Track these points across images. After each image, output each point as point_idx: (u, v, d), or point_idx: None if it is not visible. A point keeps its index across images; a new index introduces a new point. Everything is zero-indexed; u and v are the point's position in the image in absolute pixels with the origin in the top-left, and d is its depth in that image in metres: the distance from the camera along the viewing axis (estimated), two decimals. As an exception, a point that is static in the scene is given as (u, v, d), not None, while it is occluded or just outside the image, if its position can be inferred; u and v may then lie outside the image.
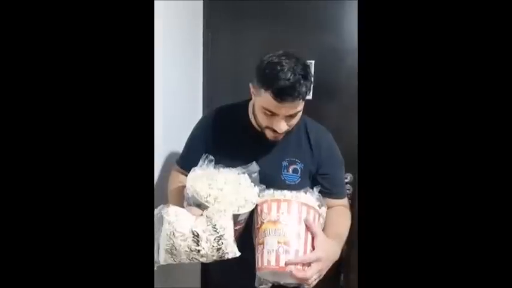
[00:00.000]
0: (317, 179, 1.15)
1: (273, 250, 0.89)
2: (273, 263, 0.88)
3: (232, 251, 0.88)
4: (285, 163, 1.13)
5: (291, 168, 1.13)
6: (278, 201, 0.95)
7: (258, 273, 0.94)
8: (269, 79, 0.95)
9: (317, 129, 1.18)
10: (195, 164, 1.00)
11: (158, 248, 0.87)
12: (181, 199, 1.00)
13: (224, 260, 0.91)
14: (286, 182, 1.12)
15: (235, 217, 0.91)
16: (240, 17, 1.71)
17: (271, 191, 1.01)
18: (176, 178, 1.20)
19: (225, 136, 1.13)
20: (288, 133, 1.08)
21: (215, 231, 0.86)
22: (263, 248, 0.91)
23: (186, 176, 1.00)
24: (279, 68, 0.94)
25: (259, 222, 0.95)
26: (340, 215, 1.10)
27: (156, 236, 0.88)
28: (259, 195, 0.99)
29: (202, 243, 0.85)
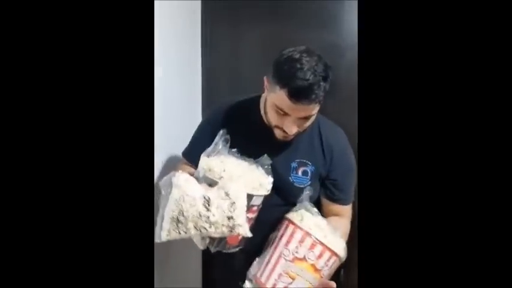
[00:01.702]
0: (325, 183, 1.10)
1: None
2: None
3: (243, 226, 0.82)
4: (294, 164, 1.07)
5: (300, 170, 1.07)
6: (332, 252, 0.92)
7: (255, 284, 0.92)
8: (286, 76, 0.89)
9: (330, 130, 1.12)
10: None
11: (162, 221, 0.81)
12: None
13: (229, 256, 0.89)
14: (295, 184, 1.06)
15: (249, 198, 0.86)
16: (238, 16, 1.70)
17: (319, 216, 0.97)
18: (184, 170, 1.12)
19: (234, 131, 1.05)
20: (299, 132, 1.01)
21: (227, 196, 0.81)
22: (291, 283, 0.90)
23: (194, 168, 0.96)
24: (298, 65, 0.88)
25: (303, 255, 0.91)
26: None
27: (160, 206, 0.83)
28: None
29: (213, 208, 0.79)
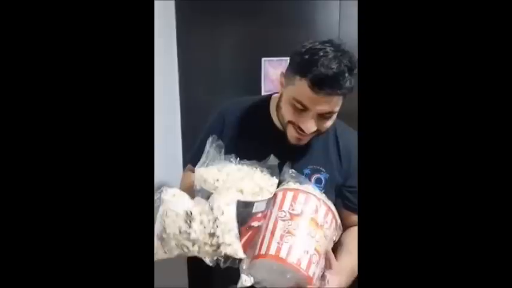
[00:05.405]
0: (342, 192, 1.01)
1: (307, 252, 0.79)
2: (303, 266, 0.78)
3: (232, 245, 0.72)
4: (307, 171, 0.98)
5: (313, 178, 0.98)
6: (328, 207, 0.86)
7: (261, 260, 0.79)
8: (308, 65, 0.81)
9: (349, 135, 1.02)
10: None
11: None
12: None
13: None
14: None
15: (249, 207, 0.76)
16: (213, 17, 1.71)
17: (309, 185, 0.90)
18: (188, 178, 1.06)
19: (242, 134, 1.00)
20: (314, 135, 0.93)
21: (211, 211, 0.72)
22: (295, 240, 0.79)
23: None
24: (322, 53, 0.81)
25: (300, 210, 0.82)
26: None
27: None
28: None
29: (195, 225, 0.71)
